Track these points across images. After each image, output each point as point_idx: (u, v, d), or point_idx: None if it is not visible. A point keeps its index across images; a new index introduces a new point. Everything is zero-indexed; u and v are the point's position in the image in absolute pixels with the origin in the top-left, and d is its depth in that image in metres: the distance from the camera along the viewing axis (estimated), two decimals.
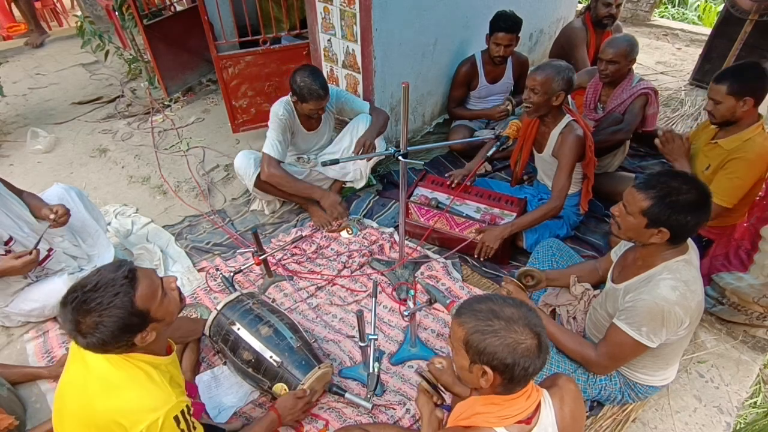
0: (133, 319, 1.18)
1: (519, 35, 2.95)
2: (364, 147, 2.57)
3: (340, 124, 2.79)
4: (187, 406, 1.28)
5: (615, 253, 1.78)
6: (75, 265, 2.20)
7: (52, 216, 2.00)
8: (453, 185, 2.55)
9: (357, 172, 2.82)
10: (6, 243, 1.94)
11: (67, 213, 2.05)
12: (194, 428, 1.31)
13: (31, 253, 1.91)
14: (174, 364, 1.40)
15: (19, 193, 2.11)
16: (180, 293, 1.37)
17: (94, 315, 1.13)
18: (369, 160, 2.75)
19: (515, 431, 1.09)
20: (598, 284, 1.91)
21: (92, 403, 1.23)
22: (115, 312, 1.14)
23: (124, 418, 1.19)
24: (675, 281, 1.42)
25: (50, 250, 2.10)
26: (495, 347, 1.04)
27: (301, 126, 2.62)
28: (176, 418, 1.24)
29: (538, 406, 1.14)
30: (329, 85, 2.51)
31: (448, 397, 1.60)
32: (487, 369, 1.06)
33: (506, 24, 2.85)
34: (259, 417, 1.67)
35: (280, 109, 2.52)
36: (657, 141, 2.18)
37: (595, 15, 3.24)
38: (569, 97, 2.52)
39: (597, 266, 1.93)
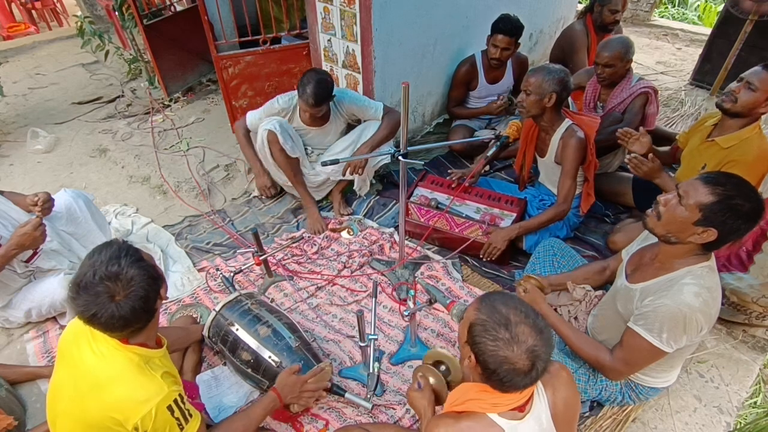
0: (152, 271, 1.25)
1: (519, 42, 2.94)
2: (354, 169, 2.59)
3: (357, 122, 2.79)
4: (180, 395, 1.29)
5: (626, 252, 1.75)
6: (68, 264, 2.18)
7: (34, 205, 1.94)
8: (454, 182, 2.58)
9: (360, 180, 2.81)
10: None
11: (50, 200, 2.00)
12: (190, 415, 1.32)
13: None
14: (166, 356, 1.41)
15: None
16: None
17: (122, 277, 1.18)
18: (357, 172, 2.68)
19: (508, 418, 1.11)
20: (606, 284, 1.90)
21: (83, 401, 1.23)
22: (141, 266, 1.22)
23: (118, 413, 1.20)
24: (699, 288, 1.38)
25: (37, 248, 2.07)
26: (486, 348, 1.07)
27: (300, 120, 2.63)
28: (170, 408, 1.25)
29: (531, 394, 1.15)
30: (339, 87, 2.54)
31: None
32: (472, 357, 1.10)
33: (506, 26, 2.85)
34: (259, 398, 1.66)
35: (282, 97, 2.60)
36: (630, 168, 2.12)
37: (600, 20, 3.22)
38: (569, 98, 2.51)
39: (605, 266, 1.91)
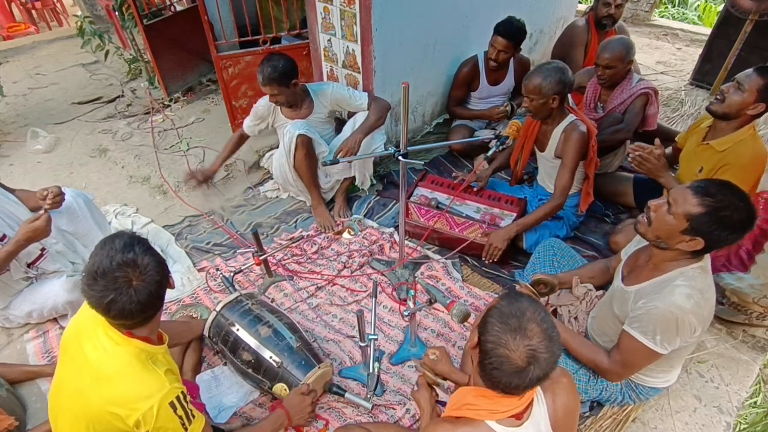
0: (162, 258, 1.28)
1: (520, 47, 2.94)
2: (347, 151, 2.54)
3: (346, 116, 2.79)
4: (182, 392, 1.28)
5: (625, 252, 1.76)
6: (71, 267, 2.18)
7: (44, 198, 1.93)
8: (461, 180, 2.59)
9: (361, 174, 2.81)
10: (0, 240, 1.93)
11: (61, 193, 1.99)
12: (193, 416, 1.31)
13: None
14: (167, 353, 1.42)
15: (11, 191, 2.07)
16: None
17: (139, 263, 1.20)
18: (352, 153, 2.63)
19: (506, 425, 1.09)
20: (607, 284, 1.90)
21: (86, 395, 1.23)
22: (153, 253, 1.25)
23: (120, 408, 1.20)
24: (690, 289, 1.38)
25: (43, 249, 2.07)
26: (491, 328, 1.05)
27: (282, 115, 2.66)
28: (172, 404, 1.24)
29: (531, 401, 1.13)
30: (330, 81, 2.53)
31: (443, 395, 1.59)
32: (476, 338, 1.10)
33: (506, 29, 2.85)
34: (269, 415, 1.66)
35: (262, 99, 2.66)
36: (633, 164, 2.10)
37: (595, 15, 3.23)
38: (569, 96, 2.51)
39: (608, 266, 1.91)
